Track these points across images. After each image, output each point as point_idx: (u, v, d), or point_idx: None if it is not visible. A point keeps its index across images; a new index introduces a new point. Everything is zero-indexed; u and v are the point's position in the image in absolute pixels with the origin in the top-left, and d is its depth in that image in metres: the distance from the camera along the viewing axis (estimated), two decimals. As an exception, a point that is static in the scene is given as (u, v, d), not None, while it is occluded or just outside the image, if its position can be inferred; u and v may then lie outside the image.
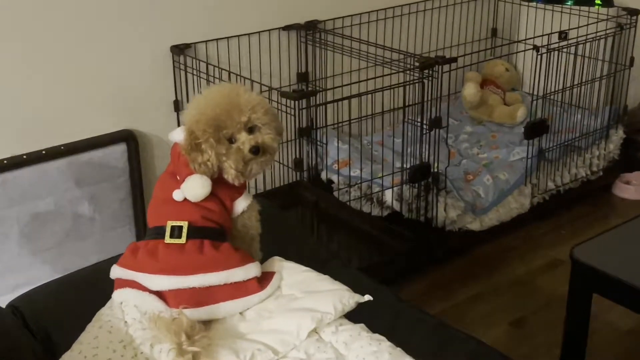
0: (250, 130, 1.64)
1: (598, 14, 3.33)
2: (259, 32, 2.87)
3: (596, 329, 2.41)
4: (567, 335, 1.98)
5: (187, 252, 1.59)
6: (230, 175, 1.64)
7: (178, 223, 1.61)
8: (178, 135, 1.64)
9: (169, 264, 1.58)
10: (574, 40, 2.96)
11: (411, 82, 2.56)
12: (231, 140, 1.63)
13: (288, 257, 1.80)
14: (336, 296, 1.64)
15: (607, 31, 3.15)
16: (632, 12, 3.18)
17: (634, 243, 1.95)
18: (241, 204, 1.71)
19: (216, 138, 1.61)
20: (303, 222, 2.80)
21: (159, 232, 1.62)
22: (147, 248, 1.61)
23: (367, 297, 1.68)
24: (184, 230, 1.60)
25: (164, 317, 1.52)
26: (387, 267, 2.60)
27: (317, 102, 2.86)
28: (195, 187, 1.62)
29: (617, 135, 3.32)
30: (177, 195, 1.64)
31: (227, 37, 2.80)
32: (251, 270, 1.64)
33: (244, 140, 1.63)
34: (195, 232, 1.61)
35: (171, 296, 1.57)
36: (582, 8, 3.39)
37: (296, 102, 2.47)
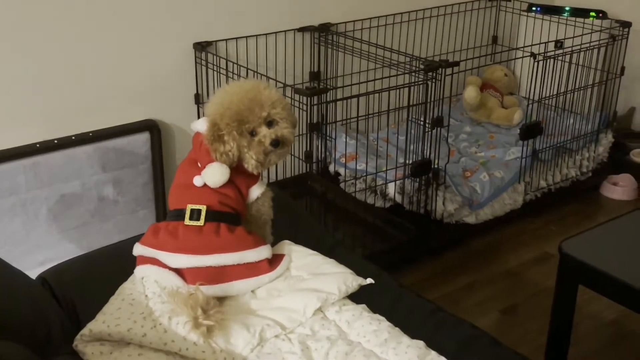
0: (269, 124, 1.65)
1: (592, 25, 3.34)
2: (275, 32, 2.89)
3: (581, 319, 2.42)
4: (554, 324, 1.99)
5: (204, 233, 1.61)
6: (250, 165, 1.66)
7: (197, 207, 1.63)
8: (200, 126, 1.66)
9: (188, 244, 1.61)
10: (569, 49, 2.96)
11: (416, 83, 2.56)
12: (252, 133, 1.64)
13: (297, 242, 1.82)
14: (340, 278, 1.66)
15: (600, 41, 3.15)
16: (624, 24, 3.18)
17: (618, 239, 1.96)
18: (256, 191, 1.73)
19: (239, 131, 1.62)
20: (312, 211, 2.81)
21: (179, 215, 1.64)
22: (168, 229, 1.63)
23: (369, 281, 1.70)
24: (203, 214, 1.62)
25: (181, 292, 1.54)
26: (388, 255, 2.61)
27: (328, 100, 2.87)
28: (215, 174, 1.64)
29: (607, 139, 3.32)
30: (198, 181, 1.66)
31: (246, 37, 2.81)
32: (263, 252, 1.66)
33: (265, 134, 1.64)
34: (212, 215, 1.63)
35: (189, 273, 1.59)
36: (578, 19, 3.40)
37: (308, 98, 2.48)
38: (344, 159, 2.95)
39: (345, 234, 2.70)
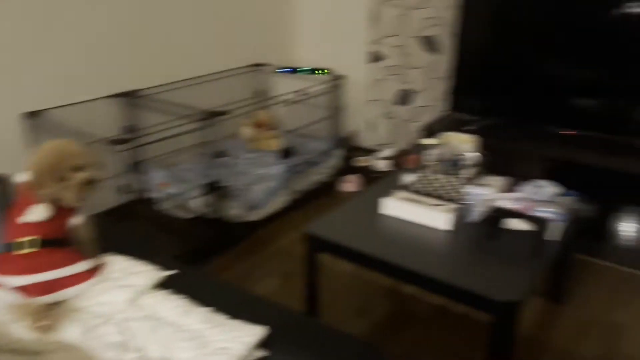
0: (79, 169, 1.62)
1: (322, 79, 3.58)
2: (98, 98, 2.77)
3: (326, 273, 2.60)
4: (308, 280, 2.11)
5: (41, 256, 1.55)
6: (69, 201, 1.61)
7: (32, 238, 1.56)
8: (24, 177, 1.58)
9: (26, 266, 1.53)
10: (308, 95, 3.15)
11: (202, 128, 2.60)
12: (66, 178, 1.59)
13: (119, 253, 1.78)
14: (149, 274, 1.66)
15: (328, 88, 3.38)
16: (341, 77, 3.44)
17: (343, 219, 2.12)
18: (76, 220, 1.68)
19: (55, 178, 1.57)
20: (134, 228, 2.73)
21: (19, 245, 1.55)
22: (8, 258, 1.54)
23: (174, 272, 1.71)
24: (37, 242, 1.55)
25: (22, 305, 1.47)
26: (197, 252, 2.62)
27: (140, 144, 2.82)
28: (40, 212, 1.57)
29: (339, 153, 3.55)
30: (28, 218, 1.58)
31: (74, 103, 2.67)
32: (87, 264, 1.63)
33: (76, 177, 1.60)
34: (46, 242, 1.57)
35: (28, 289, 1.52)
36: (313, 76, 3.63)
37: (121, 145, 2.42)
38: (159, 187, 2.91)
39: (162, 241, 2.66)
